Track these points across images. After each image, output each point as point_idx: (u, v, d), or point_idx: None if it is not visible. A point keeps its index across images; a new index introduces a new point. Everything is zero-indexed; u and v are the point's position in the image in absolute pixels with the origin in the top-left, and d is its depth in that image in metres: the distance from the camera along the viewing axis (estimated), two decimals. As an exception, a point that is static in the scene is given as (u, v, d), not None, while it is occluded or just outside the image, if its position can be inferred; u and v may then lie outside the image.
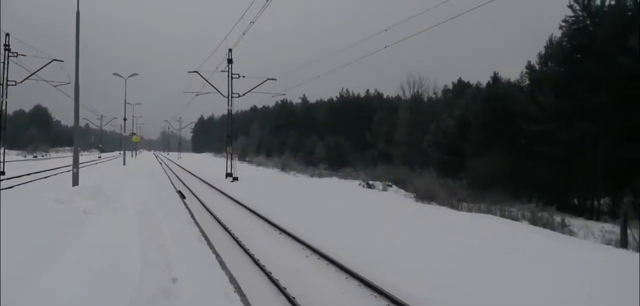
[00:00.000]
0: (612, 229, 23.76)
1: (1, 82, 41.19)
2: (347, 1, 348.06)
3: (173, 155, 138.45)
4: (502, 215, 26.32)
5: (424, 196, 32.70)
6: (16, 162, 59.67)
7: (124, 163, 66.52)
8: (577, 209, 39.31)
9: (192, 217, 19.68)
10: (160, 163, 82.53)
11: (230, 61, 48.42)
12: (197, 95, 55.65)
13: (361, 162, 67.29)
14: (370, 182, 42.10)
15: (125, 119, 79.44)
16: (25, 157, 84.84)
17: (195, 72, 48.73)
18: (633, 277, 11.86)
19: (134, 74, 69.05)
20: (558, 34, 43.08)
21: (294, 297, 10.23)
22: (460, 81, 73.70)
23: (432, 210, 26.80)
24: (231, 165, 47.46)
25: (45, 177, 35.49)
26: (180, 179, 46.48)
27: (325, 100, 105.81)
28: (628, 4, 39.71)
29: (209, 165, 74.69)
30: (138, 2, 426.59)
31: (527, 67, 46.90)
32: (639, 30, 35.23)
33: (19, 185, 30.32)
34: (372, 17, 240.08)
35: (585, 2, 41.07)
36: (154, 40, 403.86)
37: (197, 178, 48.70)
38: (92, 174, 38.43)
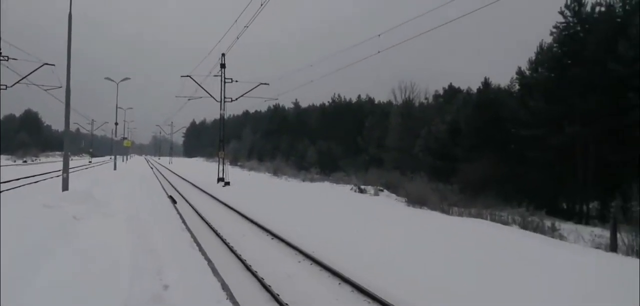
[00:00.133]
0: (602, 233, 23.90)
1: None
2: (341, 7, 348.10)
3: (164, 160, 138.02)
4: (493, 220, 26.43)
5: (416, 201, 32.77)
6: (6, 167, 59.28)
7: (115, 168, 66.28)
8: (566, 213, 39.60)
9: (184, 222, 19.62)
10: (152, 168, 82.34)
11: (223, 66, 48.36)
12: (189, 99, 55.57)
13: (353, 166, 67.51)
14: (362, 187, 42.14)
15: (116, 123, 79.29)
16: (15, 162, 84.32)
17: (187, 76, 48.66)
18: (627, 281, 11.95)
19: (126, 78, 68.81)
20: (548, 40, 43.39)
21: (287, 304, 10.21)
22: (451, 86, 74.25)
23: (423, 215, 26.84)
24: (223, 169, 47.37)
25: (35, 182, 35.33)
26: (171, 184, 46.32)
27: (317, 105, 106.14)
28: (617, 10, 40.00)
29: (201, 169, 74.50)
30: (131, 6, 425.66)
31: (517, 73, 47.19)
32: (629, 36, 35.50)
33: (7, 190, 30.13)
34: (365, 22, 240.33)
35: (576, 8, 41.36)
36: (147, 44, 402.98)
37: (188, 183, 48.57)
38: (82, 179, 38.22)
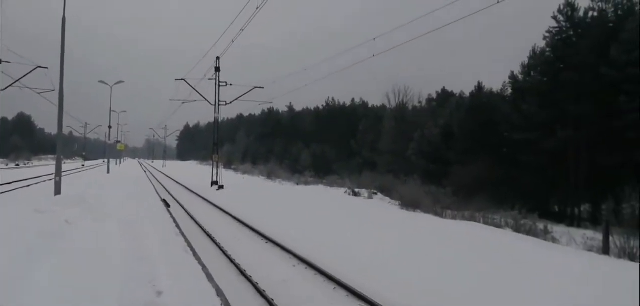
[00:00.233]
0: (594, 236, 23.97)
1: None
2: (336, 10, 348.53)
3: (158, 163, 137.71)
4: (486, 223, 26.51)
5: (409, 204, 32.85)
6: (-1, 170, 59.15)
7: (108, 172, 66.09)
8: (558, 216, 39.78)
9: (177, 226, 19.57)
10: (145, 171, 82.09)
11: (217, 69, 48.33)
12: (183, 103, 55.53)
13: (346, 170, 67.62)
14: (356, 190, 42.20)
15: (110, 127, 79.03)
16: (7, 165, 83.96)
17: (182, 79, 48.61)
18: (620, 284, 12.02)
19: (120, 82, 68.70)
20: (541, 44, 43.61)
21: (281, 309, 10.24)
22: (444, 90, 74.46)
23: (417, 218, 26.91)
24: (217, 173, 47.33)
25: (28, 186, 35.23)
26: (165, 187, 46.25)
27: (312, 108, 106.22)
28: (610, 15, 40.25)
29: (194, 173, 74.40)
30: (125, 10, 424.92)
31: (510, 77, 47.37)
32: (621, 41, 35.71)
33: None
34: (360, 26, 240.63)
35: (569, 13, 41.58)
36: (141, 48, 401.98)
37: (182, 187, 48.51)
38: (75, 182, 38.16)
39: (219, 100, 49.09)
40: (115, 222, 17.36)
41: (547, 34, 43.05)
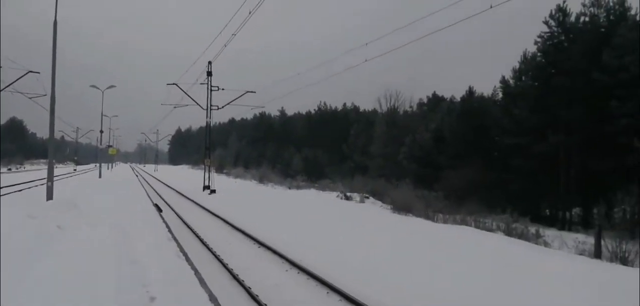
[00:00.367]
0: (585, 239, 24.07)
1: None
2: (330, 13, 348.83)
3: (150, 167, 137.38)
4: (477, 226, 26.59)
5: (401, 207, 32.94)
6: (-11, 174, 58.84)
7: (100, 176, 65.95)
8: (549, 220, 39.95)
9: (170, 231, 19.52)
10: (137, 176, 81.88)
11: (209, 74, 48.30)
12: (175, 107, 55.50)
13: (338, 174, 67.74)
14: (348, 194, 42.29)
15: (101, 132, 78.90)
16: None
17: (174, 84, 48.55)
18: (614, 289, 12.10)
19: (112, 86, 68.58)
20: (532, 49, 43.81)
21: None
22: (434, 95, 74.81)
23: (409, 222, 26.97)
24: (209, 177, 47.26)
25: (20, 191, 35.07)
26: (156, 192, 46.14)
27: (303, 113, 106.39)
28: (602, 20, 40.46)
29: (186, 177, 74.23)
30: (117, 14, 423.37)
31: (501, 82, 47.53)
32: (613, 46, 35.93)
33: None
34: (352, 31, 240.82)
35: (561, 18, 41.79)
36: (132, 52, 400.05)
37: (174, 191, 48.39)
38: (67, 187, 38.03)
39: (210, 105, 49.09)
40: (107, 227, 17.29)
41: (538, 39, 43.29)
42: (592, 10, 41.50)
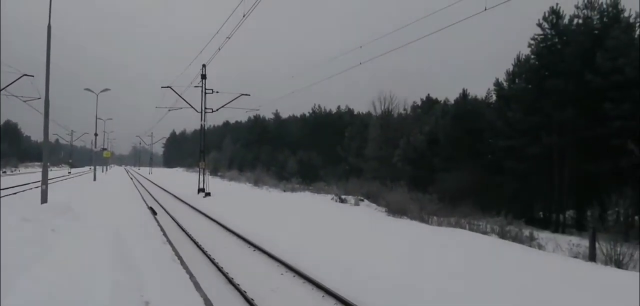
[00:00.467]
0: (579, 242, 24.13)
1: None
2: (324, 17, 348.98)
3: (144, 170, 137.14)
4: (472, 229, 26.63)
5: (396, 210, 32.94)
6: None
7: (95, 179, 65.81)
8: (543, 222, 40.05)
9: (165, 234, 19.51)
10: (131, 179, 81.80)
11: (204, 76, 48.28)
12: (170, 110, 55.43)
13: (333, 176, 67.79)
14: (343, 197, 42.30)
15: (96, 134, 78.64)
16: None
17: (168, 87, 48.52)
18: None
19: (106, 89, 68.42)
20: (526, 51, 43.89)
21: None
22: (428, 97, 74.96)
23: (404, 224, 26.99)
24: (204, 180, 47.24)
25: (14, 193, 34.98)
26: (151, 195, 46.08)
27: (298, 115, 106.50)
28: (595, 22, 40.59)
29: (181, 180, 74.12)
30: (110, 17, 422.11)
31: (495, 84, 47.62)
32: (606, 47, 36.06)
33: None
34: (345, 35, 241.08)
35: (554, 20, 41.90)
36: (127, 55, 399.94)
37: (168, 194, 48.34)
38: (61, 190, 37.95)
39: (205, 108, 49.11)
40: (102, 230, 17.27)
41: (531, 41, 43.38)
42: (586, 13, 41.63)
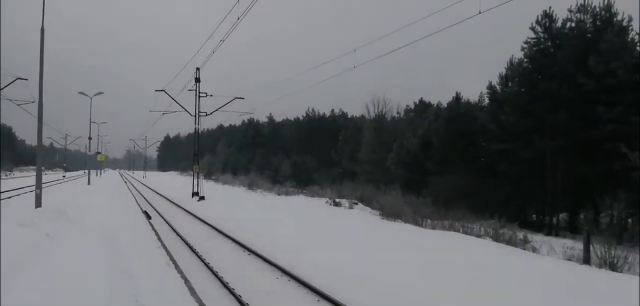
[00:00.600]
0: (573, 245, 24.17)
1: None
2: (318, 20, 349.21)
3: (138, 174, 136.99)
4: (465, 232, 26.70)
5: (390, 214, 33.03)
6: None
7: (89, 183, 65.69)
8: (536, 225, 40.14)
9: (159, 238, 19.51)
10: (126, 182, 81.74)
11: (198, 80, 48.29)
12: (164, 114, 55.47)
13: (327, 179, 67.87)
14: (337, 200, 42.36)
15: (90, 138, 78.52)
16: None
17: (162, 91, 48.49)
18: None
19: (100, 93, 68.31)
20: (518, 55, 43.97)
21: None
22: (421, 101, 75.20)
23: (399, 228, 27.06)
24: (197, 184, 47.21)
25: (8, 197, 34.89)
26: (145, 198, 46.03)
27: (292, 119, 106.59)
28: (588, 26, 40.70)
29: (175, 184, 74.14)
30: (105, 21, 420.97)
31: (488, 88, 47.71)
32: (599, 51, 36.17)
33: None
34: (339, 38, 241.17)
35: (547, 24, 42.01)
36: (121, 58, 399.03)
37: (163, 198, 48.29)
38: (56, 194, 37.85)
39: (199, 111, 49.11)
40: (96, 235, 17.27)
41: (524, 45, 43.45)
42: (579, 16, 41.68)
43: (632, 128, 32.27)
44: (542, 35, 42.59)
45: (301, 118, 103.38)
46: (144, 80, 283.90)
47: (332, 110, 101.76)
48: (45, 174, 61.90)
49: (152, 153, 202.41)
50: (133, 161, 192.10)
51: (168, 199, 45.47)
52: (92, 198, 36.23)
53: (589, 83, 36.45)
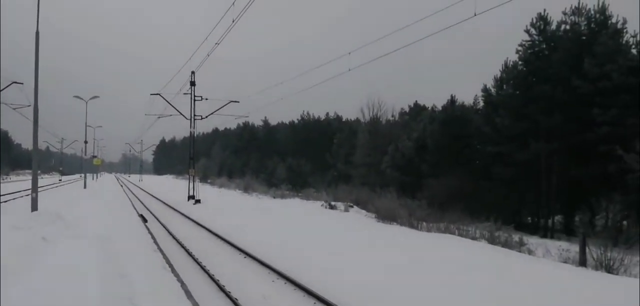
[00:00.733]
0: (569, 247, 24.25)
1: None
2: (314, 22, 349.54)
3: (134, 178, 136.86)
4: (461, 235, 26.75)
5: (385, 216, 33.06)
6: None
7: (85, 186, 65.58)
8: (531, 227, 40.21)
9: (155, 242, 19.48)
10: (122, 186, 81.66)
11: (193, 83, 48.27)
12: (159, 117, 55.40)
13: (322, 183, 67.93)
14: (332, 203, 42.39)
15: (86, 142, 78.47)
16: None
17: (157, 94, 48.47)
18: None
19: (95, 97, 68.21)
20: (513, 58, 44.03)
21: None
22: (416, 104, 75.29)
23: (394, 231, 27.09)
24: (193, 187, 47.18)
25: (5, 202, 34.83)
26: (141, 202, 45.96)
27: (287, 122, 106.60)
28: (583, 28, 40.80)
29: (171, 187, 74.04)
30: (100, 23, 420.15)
31: (483, 90, 47.74)
32: (594, 53, 36.25)
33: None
34: (334, 41, 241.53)
35: (541, 26, 42.09)
36: (116, 62, 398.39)
37: (159, 201, 48.23)
38: (52, 198, 37.80)
39: (194, 115, 49.07)
40: (93, 239, 17.21)
41: (519, 48, 43.51)
42: (573, 19, 41.77)
43: (627, 130, 32.36)
44: (536, 37, 42.67)
45: (296, 121, 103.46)
46: (140, 84, 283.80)
47: (327, 114, 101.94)
48: (42, 178, 61.69)
49: (148, 156, 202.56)
50: (129, 165, 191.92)
51: (164, 202, 45.42)
52: (88, 202, 36.15)
53: (584, 86, 36.53)
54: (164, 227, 27.02)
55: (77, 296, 9.59)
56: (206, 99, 48.82)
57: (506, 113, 42.13)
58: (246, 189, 66.70)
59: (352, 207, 41.86)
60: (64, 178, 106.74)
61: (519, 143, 40.18)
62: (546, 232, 38.50)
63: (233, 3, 24.11)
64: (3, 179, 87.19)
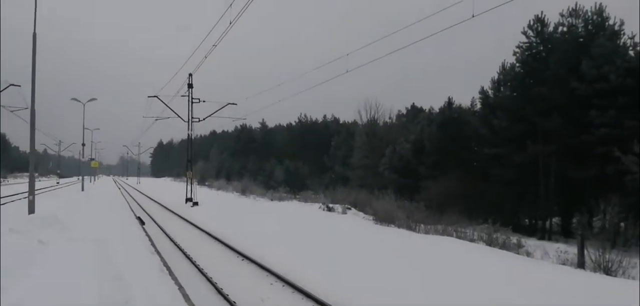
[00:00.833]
0: (567, 249, 24.26)
1: None
2: (311, 23, 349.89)
3: (132, 180, 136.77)
4: (459, 236, 26.74)
5: (383, 218, 33.01)
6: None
7: (83, 189, 65.43)
8: (529, 229, 40.24)
9: (153, 244, 19.45)
10: (119, 188, 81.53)
11: (190, 86, 48.22)
12: (156, 119, 55.29)
13: (320, 185, 67.92)
14: (330, 205, 42.35)
15: (83, 144, 78.30)
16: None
17: (154, 96, 48.40)
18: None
19: (93, 99, 68.03)
20: (510, 59, 44.07)
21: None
22: (413, 106, 75.41)
23: (392, 233, 27.05)
24: (191, 189, 47.11)
25: (3, 204, 34.74)
26: (139, 204, 45.90)
27: (284, 124, 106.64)
28: (580, 30, 40.83)
29: (169, 189, 73.95)
30: (97, 25, 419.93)
31: (480, 92, 47.74)
32: (591, 55, 36.28)
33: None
34: (332, 40, 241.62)
35: (539, 28, 42.12)
36: (113, 64, 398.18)
37: (156, 203, 48.18)
38: (49, 201, 37.69)
39: (192, 117, 48.99)
40: (90, 241, 17.15)
41: (517, 49, 43.55)
42: (570, 20, 41.81)
43: (624, 132, 32.38)
44: (534, 39, 42.70)
45: (293, 124, 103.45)
46: (138, 87, 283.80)
47: (325, 116, 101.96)
48: (39, 181, 61.75)
49: (146, 159, 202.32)
50: (126, 167, 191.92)
51: (162, 205, 45.38)
52: (85, 205, 36.08)
53: (581, 88, 36.57)
54: (161, 229, 27.00)
55: (73, 299, 9.55)
56: (204, 101, 48.79)
57: (504, 115, 42.16)
58: (244, 191, 66.64)
59: (350, 209, 41.82)
60: (62, 181, 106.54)
61: (517, 145, 40.21)
62: (544, 234, 38.53)
63: (230, 5, 24.07)
64: (1, 182, 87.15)
